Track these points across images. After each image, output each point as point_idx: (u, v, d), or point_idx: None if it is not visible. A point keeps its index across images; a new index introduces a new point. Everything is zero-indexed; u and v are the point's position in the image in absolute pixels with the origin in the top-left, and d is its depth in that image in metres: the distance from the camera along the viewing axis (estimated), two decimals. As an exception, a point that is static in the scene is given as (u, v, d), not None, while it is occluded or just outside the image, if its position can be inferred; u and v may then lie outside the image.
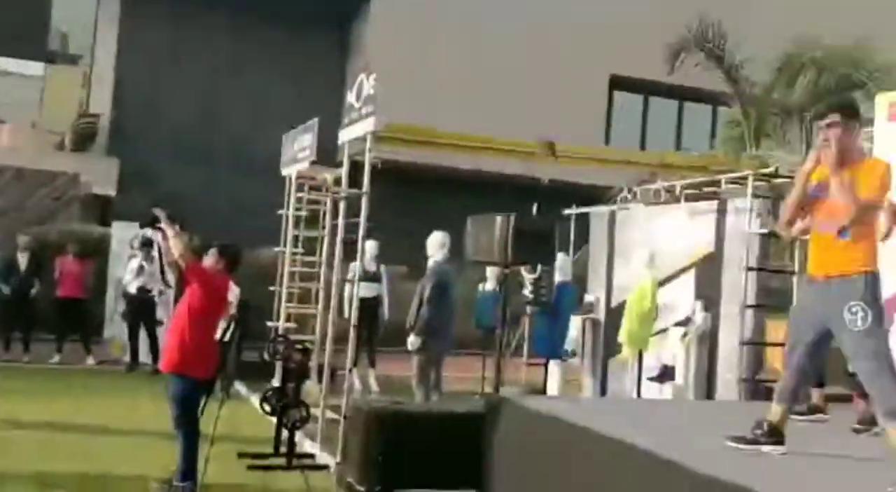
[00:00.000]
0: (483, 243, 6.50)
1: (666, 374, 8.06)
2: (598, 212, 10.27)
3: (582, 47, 18.12)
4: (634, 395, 8.12)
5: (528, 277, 8.04)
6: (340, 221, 6.88)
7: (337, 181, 7.75)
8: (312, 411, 6.10)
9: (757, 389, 7.74)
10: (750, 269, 7.57)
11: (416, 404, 7.03)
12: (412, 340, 7.48)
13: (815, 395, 5.36)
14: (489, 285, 9.42)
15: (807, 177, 4.02)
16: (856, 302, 3.75)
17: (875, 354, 3.75)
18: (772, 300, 8.09)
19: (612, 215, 9.86)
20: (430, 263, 7.59)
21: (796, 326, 4.17)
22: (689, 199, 8.70)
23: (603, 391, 9.40)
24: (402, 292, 10.18)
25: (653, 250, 8.08)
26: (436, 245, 7.53)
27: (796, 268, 6.81)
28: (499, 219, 6.35)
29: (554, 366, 9.16)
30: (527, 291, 8.08)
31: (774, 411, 4.17)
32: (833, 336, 3.93)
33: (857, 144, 3.93)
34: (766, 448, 4.10)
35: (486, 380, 8.70)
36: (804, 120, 11.78)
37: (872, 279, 3.83)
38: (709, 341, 8.05)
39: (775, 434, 4.13)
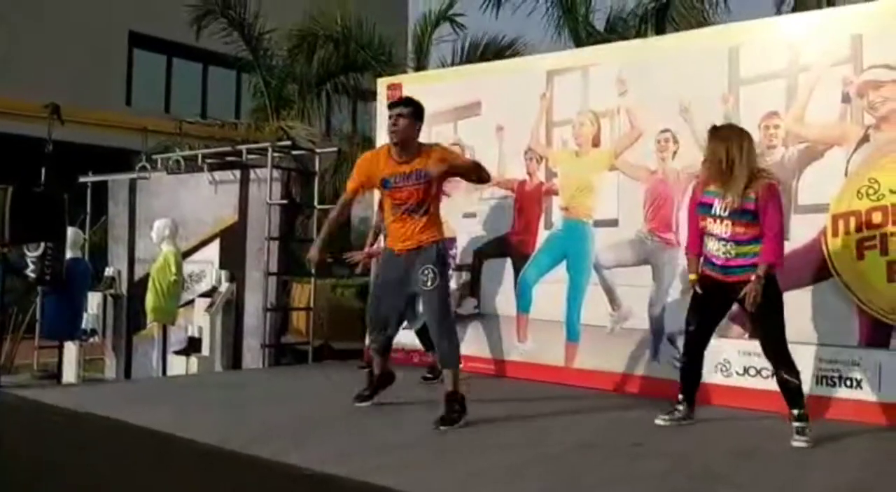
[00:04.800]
0: (-26, 219, 5.73)
1: (192, 346, 7.98)
2: (117, 180, 9.69)
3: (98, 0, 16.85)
4: (160, 371, 7.90)
5: (29, 254, 7.32)
6: None
7: None
8: None
9: (281, 351, 8.11)
10: (272, 238, 7.83)
11: None
12: None
13: None
14: (-9, 264, 8.36)
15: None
16: (428, 265, 4.37)
17: (440, 307, 4.41)
18: (295, 266, 8.48)
19: (134, 183, 9.39)
20: None
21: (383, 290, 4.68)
22: (212, 168, 8.65)
23: (128, 369, 9.01)
24: None
25: (174, 220, 7.89)
26: None
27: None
28: (-6, 192, 5.65)
29: (71, 347, 8.50)
30: (29, 271, 7.35)
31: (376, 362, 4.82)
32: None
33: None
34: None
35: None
36: (321, 93, 12.43)
37: (442, 246, 4.49)
38: (234, 310, 8.17)
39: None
